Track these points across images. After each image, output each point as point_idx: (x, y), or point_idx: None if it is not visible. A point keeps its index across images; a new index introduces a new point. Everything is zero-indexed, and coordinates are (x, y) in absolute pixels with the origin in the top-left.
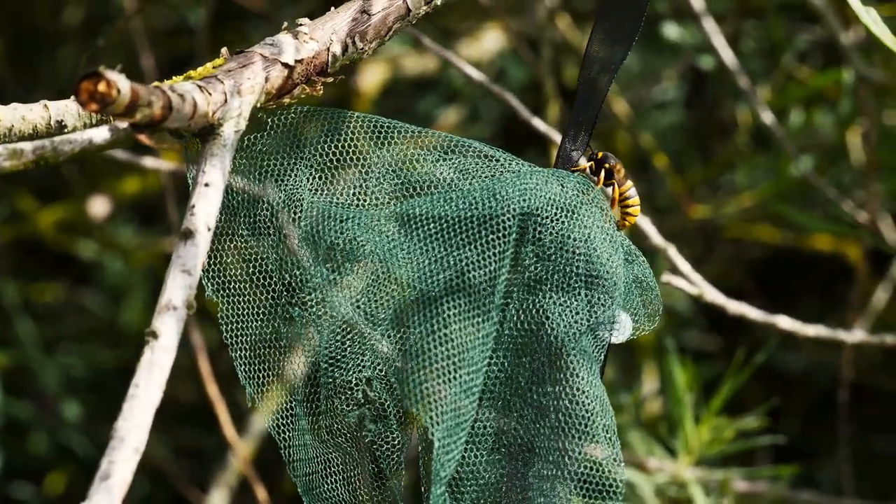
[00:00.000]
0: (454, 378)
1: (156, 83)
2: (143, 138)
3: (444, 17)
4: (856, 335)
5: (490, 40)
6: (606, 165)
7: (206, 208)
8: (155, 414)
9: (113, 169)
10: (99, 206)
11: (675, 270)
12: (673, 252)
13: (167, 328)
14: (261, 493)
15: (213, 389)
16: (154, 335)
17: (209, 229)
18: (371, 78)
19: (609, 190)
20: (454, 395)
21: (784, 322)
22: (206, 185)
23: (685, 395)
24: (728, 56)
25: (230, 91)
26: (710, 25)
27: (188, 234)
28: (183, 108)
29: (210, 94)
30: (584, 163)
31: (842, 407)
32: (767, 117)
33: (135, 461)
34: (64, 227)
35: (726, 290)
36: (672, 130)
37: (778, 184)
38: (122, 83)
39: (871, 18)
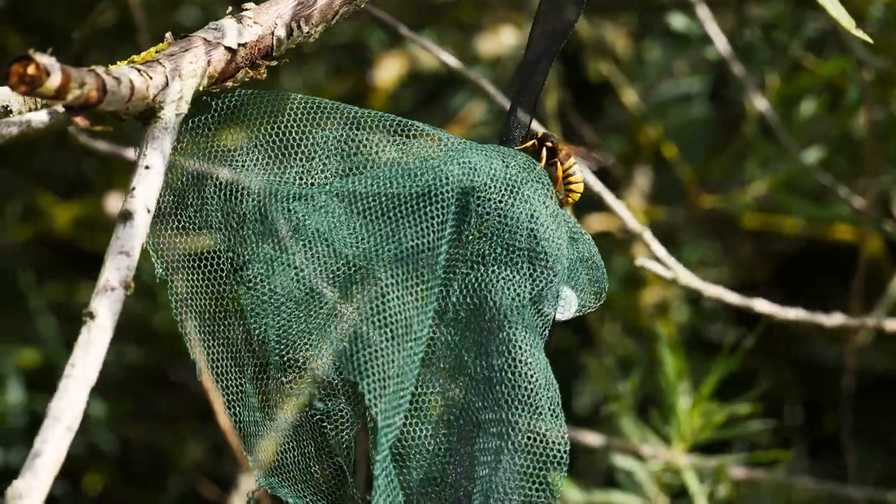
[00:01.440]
0: (392, 348)
1: (92, 67)
2: (78, 120)
3: (459, 11)
4: (834, 319)
5: (508, 36)
6: (548, 144)
7: (145, 191)
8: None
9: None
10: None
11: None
12: (648, 236)
13: (104, 309)
14: None
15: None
16: (91, 315)
17: (149, 211)
18: (387, 73)
19: (553, 168)
20: (393, 365)
21: (761, 305)
22: (147, 167)
23: (676, 382)
24: (722, 44)
25: (171, 74)
26: (703, 13)
27: (127, 216)
28: (119, 91)
29: (150, 77)
30: (528, 143)
31: (845, 396)
32: (761, 104)
33: (68, 440)
34: (88, 224)
35: (752, 283)
36: (695, 124)
37: (783, 175)
38: (51, 66)
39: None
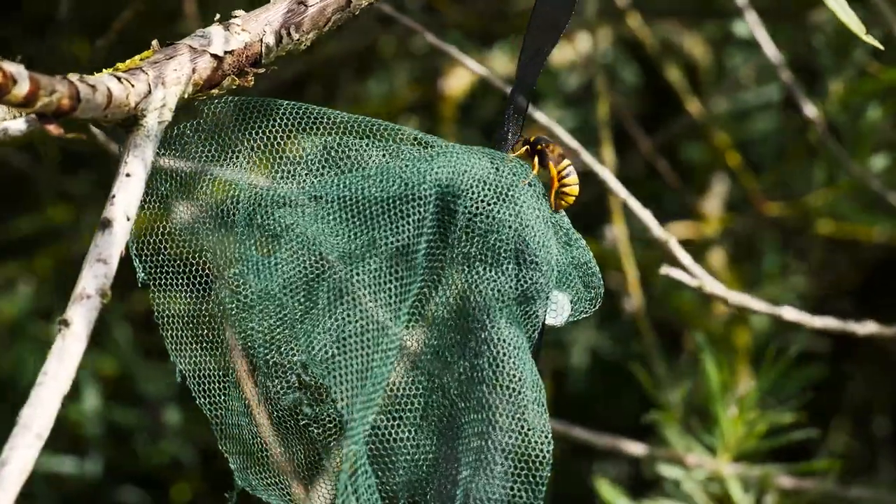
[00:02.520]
0: (362, 349)
1: (68, 75)
2: (51, 129)
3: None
4: (867, 327)
5: (584, 42)
6: (539, 147)
7: (125, 198)
8: None
9: None
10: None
11: (675, 263)
12: (673, 243)
13: (79, 317)
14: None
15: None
16: (66, 323)
17: (128, 219)
18: (456, 82)
19: (546, 172)
20: (365, 367)
21: (789, 313)
22: (128, 175)
23: (719, 391)
24: (771, 51)
25: (154, 82)
26: (752, 18)
27: (106, 224)
28: (94, 99)
29: (132, 85)
30: (521, 147)
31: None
32: (811, 111)
33: (37, 447)
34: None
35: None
36: (770, 132)
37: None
38: (18, 74)
39: (839, 4)
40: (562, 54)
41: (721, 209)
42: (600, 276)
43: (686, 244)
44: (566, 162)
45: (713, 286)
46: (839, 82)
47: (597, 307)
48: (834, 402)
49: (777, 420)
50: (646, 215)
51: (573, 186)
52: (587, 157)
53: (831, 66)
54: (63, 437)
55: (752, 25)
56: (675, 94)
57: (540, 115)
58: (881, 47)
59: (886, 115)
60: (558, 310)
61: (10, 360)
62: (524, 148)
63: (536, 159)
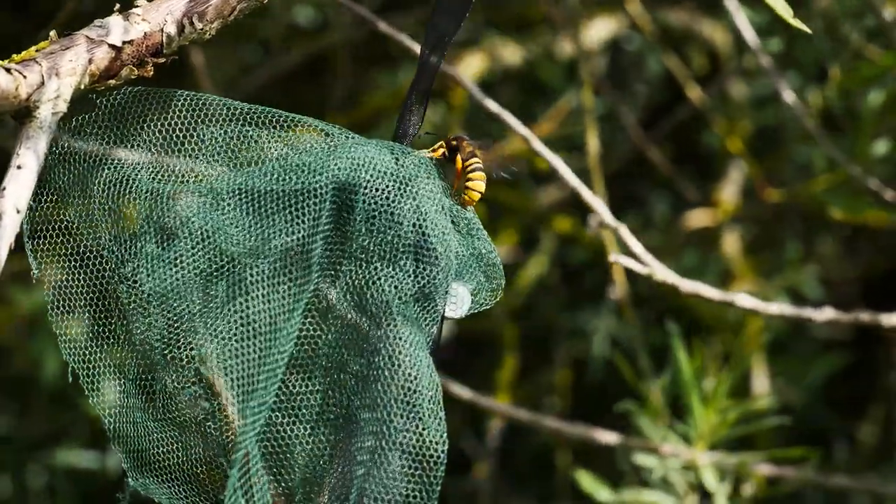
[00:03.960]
0: (251, 345)
1: None
2: None
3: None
4: (825, 313)
5: (601, 27)
6: (453, 143)
7: (16, 190)
8: None
9: None
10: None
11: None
12: (623, 231)
13: None
14: None
15: None
16: None
17: (18, 211)
18: (466, 69)
19: (454, 165)
20: (254, 363)
21: (744, 300)
22: (19, 167)
23: (692, 380)
24: (750, 36)
25: (48, 73)
26: (732, 4)
27: None
28: None
29: (24, 76)
30: (439, 146)
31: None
32: (789, 97)
33: None
34: None
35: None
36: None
37: (842, 172)
38: None
39: None
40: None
41: (737, 196)
42: (501, 267)
43: (702, 232)
44: (475, 159)
45: (664, 273)
46: (836, 68)
47: (497, 299)
48: (864, 391)
49: (749, 408)
50: (597, 203)
51: (478, 182)
52: (538, 144)
53: (829, 51)
54: (83, 432)
55: (733, 11)
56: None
57: (490, 103)
58: (809, 31)
59: (888, 101)
60: (458, 302)
61: None
62: (441, 147)
63: (448, 152)
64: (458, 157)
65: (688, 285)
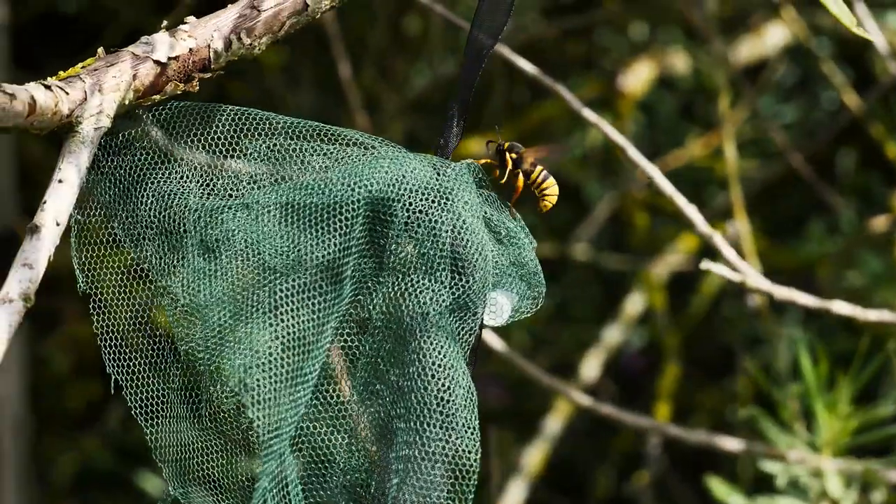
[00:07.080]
0: (278, 359)
1: None
2: None
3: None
4: None
5: (775, 35)
6: (513, 155)
7: (56, 204)
8: None
9: None
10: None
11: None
12: (718, 239)
13: (1, 320)
14: None
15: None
16: None
17: (58, 224)
18: (635, 79)
19: (515, 178)
20: (281, 378)
21: (840, 307)
22: (60, 181)
23: (816, 388)
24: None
25: (91, 89)
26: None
27: (34, 229)
28: (11, 108)
29: (67, 92)
30: (492, 153)
31: None
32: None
33: None
34: None
35: None
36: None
37: None
38: None
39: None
40: (748, 50)
41: None
42: (541, 275)
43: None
44: (540, 167)
45: (757, 281)
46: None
47: (538, 307)
48: None
49: (876, 415)
50: (691, 211)
51: (552, 187)
52: (634, 153)
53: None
54: None
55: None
56: None
57: (588, 114)
58: (873, 39)
59: None
60: (498, 311)
61: None
62: (489, 155)
63: (510, 165)
64: (522, 168)
65: (782, 292)
